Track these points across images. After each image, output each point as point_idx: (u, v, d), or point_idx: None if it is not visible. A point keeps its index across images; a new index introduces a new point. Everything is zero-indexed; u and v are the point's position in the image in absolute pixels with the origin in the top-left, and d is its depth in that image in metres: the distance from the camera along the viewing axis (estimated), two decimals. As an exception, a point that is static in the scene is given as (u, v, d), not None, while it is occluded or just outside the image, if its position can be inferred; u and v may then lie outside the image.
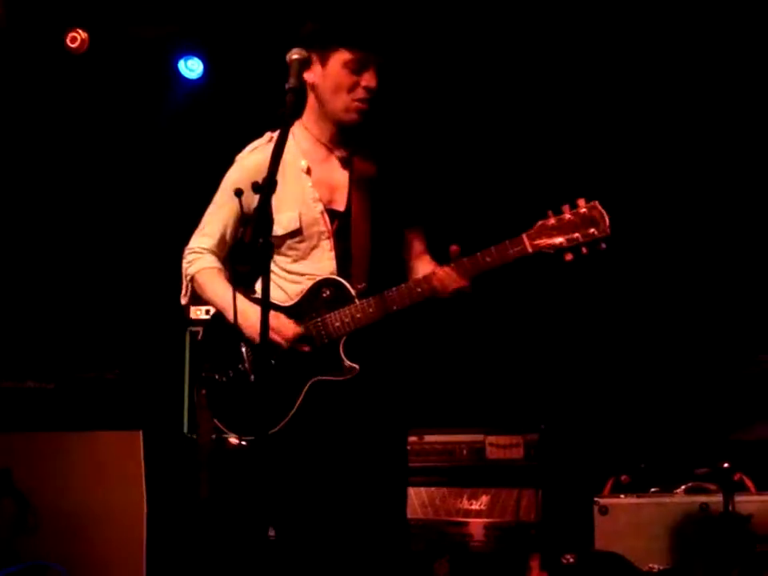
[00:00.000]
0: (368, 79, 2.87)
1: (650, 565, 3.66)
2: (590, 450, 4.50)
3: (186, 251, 3.10)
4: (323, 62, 2.89)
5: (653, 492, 3.95)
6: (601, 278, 4.76)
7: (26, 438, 4.31)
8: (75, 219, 5.27)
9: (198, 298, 3.13)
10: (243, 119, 4.96)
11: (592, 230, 2.72)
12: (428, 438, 4.33)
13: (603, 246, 2.73)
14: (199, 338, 3.11)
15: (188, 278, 3.07)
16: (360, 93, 2.88)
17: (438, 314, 4.81)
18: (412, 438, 4.32)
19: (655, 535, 3.76)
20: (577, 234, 2.73)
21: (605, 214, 2.73)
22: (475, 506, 4.20)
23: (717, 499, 3.66)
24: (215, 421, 2.99)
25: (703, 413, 4.33)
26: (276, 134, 2.96)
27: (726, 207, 4.66)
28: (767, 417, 3.68)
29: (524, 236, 2.78)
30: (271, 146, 2.91)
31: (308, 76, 2.92)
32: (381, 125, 3.02)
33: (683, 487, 3.90)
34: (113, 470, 4.21)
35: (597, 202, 2.75)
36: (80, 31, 4.96)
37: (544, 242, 2.75)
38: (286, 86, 2.71)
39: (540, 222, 2.77)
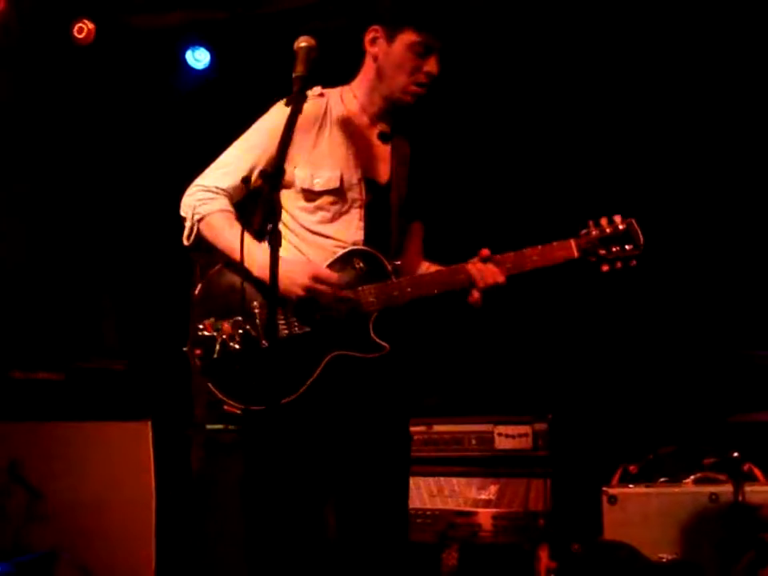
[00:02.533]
0: (431, 65, 2.86)
1: (659, 555, 3.65)
2: (599, 439, 4.49)
3: (196, 188, 2.91)
4: (390, 39, 2.87)
5: (662, 482, 3.94)
6: (606, 273, 4.74)
7: (36, 429, 4.32)
8: (82, 210, 5.27)
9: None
10: (250, 109, 4.96)
11: (629, 246, 2.86)
12: (437, 428, 4.33)
13: (634, 263, 2.87)
14: (197, 293, 2.86)
15: (197, 217, 2.85)
16: (420, 77, 2.87)
17: (446, 304, 4.83)
18: (420, 428, 4.33)
19: (664, 525, 3.75)
20: (616, 248, 2.86)
21: (639, 233, 2.87)
22: (484, 496, 4.20)
23: (726, 489, 3.65)
24: (210, 386, 2.79)
25: (712, 403, 4.32)
26: (325, 91, 2.96)
27: (732, 199, 4.64)
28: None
29: (572, 241, 2.86)
30: (321, 101, 2.93)
31: (372, 49, 2.91)
32: (420, 109, 2.99)
33: (692, 477, 3.88)
34: (122, 460, 4.22)
35: (633, 220, 2.87)
36: (87, 22, 4.96)
37: (588, 250, 2.86)
38: (294, 75, 2.71)
39: (584, 231, 2.87)
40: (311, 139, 2.91)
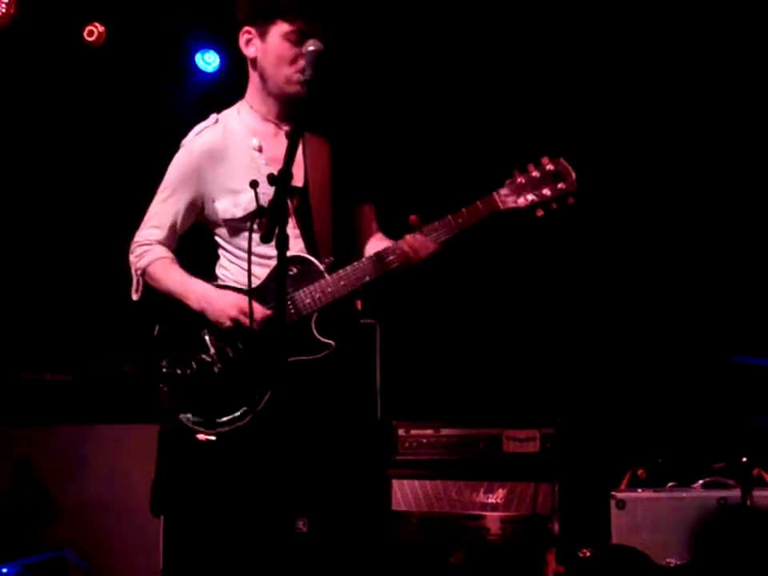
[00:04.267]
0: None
1: (667, 559, 3.64)
2: (607, 443, 4.48)
3: (133, 245, 3.02)
4: (263, 36, 2.84)
5: (670, 486, 3.93)
6: (617, 274, 4.74)
7: (44, 431, 4.33)
8: (92, 211, 5.29)
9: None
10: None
11: (560, 185, 2.76)
12: (444, 432, 4.32)
13: (571, 200, 2.77)
14: (156, 333, 2.96)
15: (139, 272, 2.98)
16: (302, 64, 2.80)
17: (456, 307, 4.83)
18: (428, 431, 4.32)
19: (672, 530, 3.74)
20: (546, 190, 2.76)
21: (570, 169, 2.77)
22: (491, 500, 4.19)
23: (735, 494, 3.64)
24: (180, 417, 2.87)
25: (721, 407, 4.30)
26: (221, 115, 2.97)
27: (742, 207, 4.62)
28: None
29: (494, 194, 2.78)
30: (218, 127, 2.94)
31: (249, 52, 2.89)
32: (328, 97, 2.95)
33: (701, 482, 3.87)
34: (129, 462, 4.22)
35: (562, 159, 2.78)
36: (97, 25, 4.97)
37: (515, 199, 2.77)
38: (302, 78, 2.71)
39: (509, 181, 2.78)
40: (219, 169, 2.92)
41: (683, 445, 4.19)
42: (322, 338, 2.80)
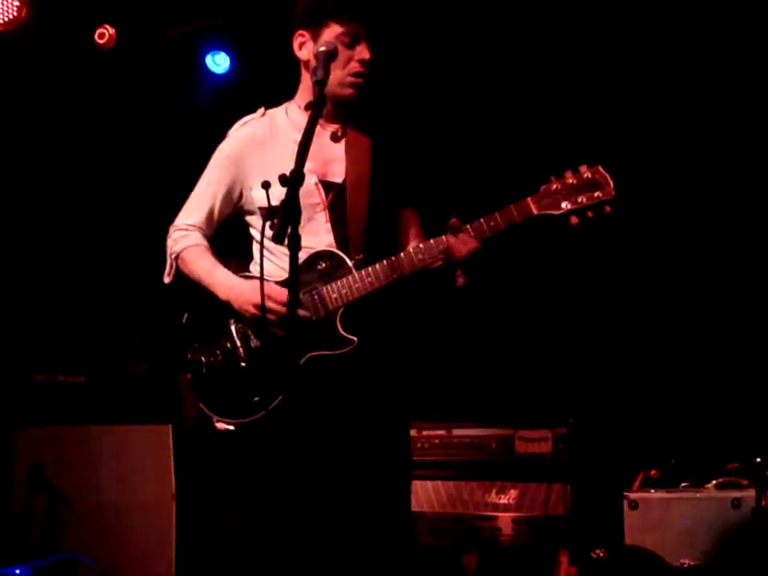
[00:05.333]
0: (361, 52, 2.85)
1: (681, 560, 3.63)
2: (620, 444, 4.47)
3: (171, 229, 3.04)
4: (315, 39, 2.86)
5: (683, 487, 3.91)
6: (629, 274, 4.73)
7: (57, 432, 4.34)
8: (104, 214, 5.31)
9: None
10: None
11: (597, 194, 2.73)
12: (456, 432, 4.32)
13: (608, 209, 2.73)
14: (184, 321, 3.00)
15: (173, 256, 3.00)
16: (355, 67, 2.86)
17: (469, 308, 4.82)
18: (441, 432, 4.32)
19: (686, 530, 3.72)
20: (582, 198, 2.73)
21: (608, 178, 2.74)
22: (504, 500, 4.19)
23: (749, 494, 3.62)
24: (200, 405, 2.89)
25: (735, 407, 4.29)
26: (269, 111, 2.99)
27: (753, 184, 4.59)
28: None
29: (529, 199, 2.77)
30: (264, 120, 2.98)
31: (302, 54, 2.91)
32: (372, 97, 2.97)
33: (714, 482, 3.86)
34: (142, 463, 4.23)
35: (600, 167, 2.75)
36: (108, 27, 4.98)
37: (549, 205, 2.75)
38: (314, 79, 2.72)
39: (544, 186, 2.77)
40: (261, 159, 2.93)
41: (697, 445, 4.17)
42: (345, 334, 2.80)
